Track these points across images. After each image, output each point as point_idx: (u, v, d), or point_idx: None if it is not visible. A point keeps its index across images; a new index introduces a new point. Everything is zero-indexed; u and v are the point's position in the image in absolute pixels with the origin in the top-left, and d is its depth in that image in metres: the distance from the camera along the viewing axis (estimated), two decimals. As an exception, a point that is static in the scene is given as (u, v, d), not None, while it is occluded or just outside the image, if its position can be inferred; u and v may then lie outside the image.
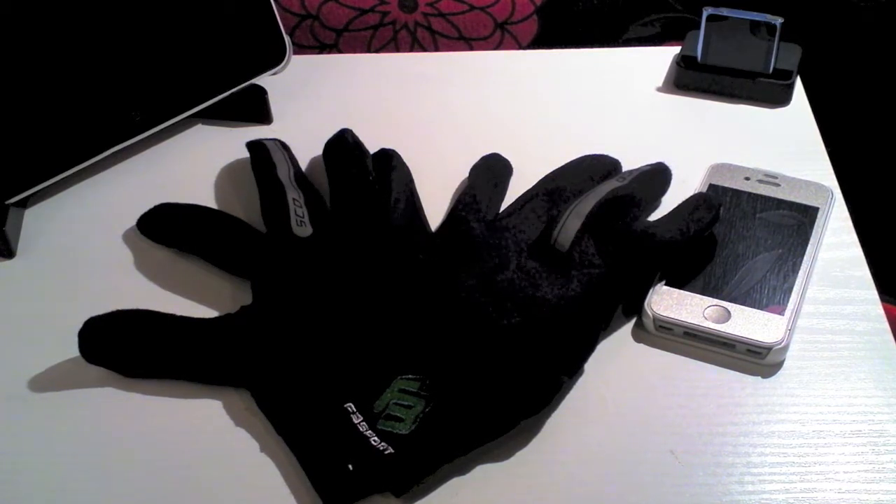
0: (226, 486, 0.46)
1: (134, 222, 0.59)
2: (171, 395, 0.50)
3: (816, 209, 0.57)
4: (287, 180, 0.59)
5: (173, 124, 0.64)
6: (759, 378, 0.50)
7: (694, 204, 0.55)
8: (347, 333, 0.51)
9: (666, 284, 0.53)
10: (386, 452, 0.45)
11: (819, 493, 0.45)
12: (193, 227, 0.58)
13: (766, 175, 0.59)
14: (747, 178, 0.59)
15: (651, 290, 0.53)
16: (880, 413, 0.48)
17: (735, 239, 0.55)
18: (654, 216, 0.58)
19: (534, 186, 0.59)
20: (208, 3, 0.63)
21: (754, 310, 0.51)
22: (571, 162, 0.61)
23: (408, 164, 0.61)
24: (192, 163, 0.64)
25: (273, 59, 0.66)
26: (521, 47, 0.82)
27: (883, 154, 0.85)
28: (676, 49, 0.70)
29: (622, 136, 0.64)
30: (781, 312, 0.51)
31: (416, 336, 0.50)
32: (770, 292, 0.52)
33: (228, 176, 0.63)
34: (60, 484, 0.46)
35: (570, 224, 0.53)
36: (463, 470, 0.46)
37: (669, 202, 0.59)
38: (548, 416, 0.48)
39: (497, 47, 0.82)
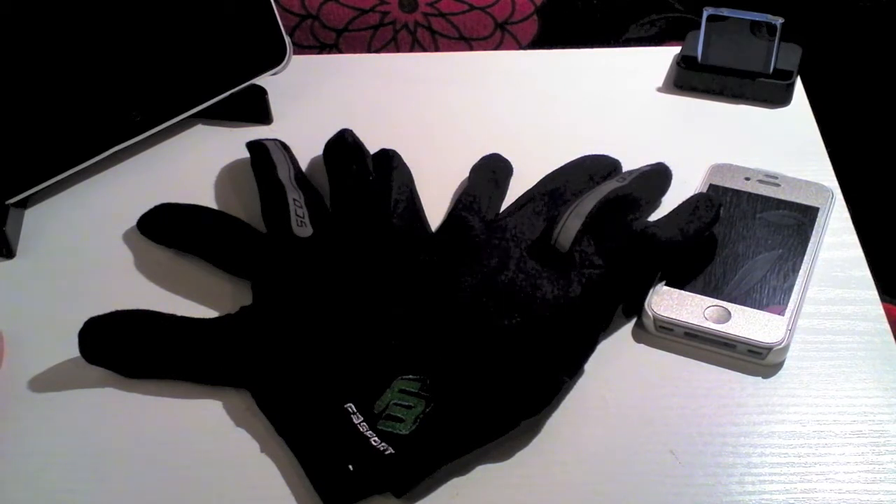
0: (226, 486, 0.46)
1: (134, 222, 0.59)
2: (171, 395, 0.50)
3: (816, 209, 0.57)
4: (287, 180, 0.59)
5: (173, 124, 0.64)
6: (760, 378, 0.50)
7: (694, 204, 0.55)
8: (348, 334, 0.50)
9: (666, 284, 0.53)
10: (386, 453, 0.45)
11: (819, 493, 0.45)
12: (193, 227, 0.58)
13: (767, 175, 0.59)
14: (747, 179, 0.59)
15: (651, 291, 0.53)
16: (881, 413, 0.48)
17: (735, 239, 0.55)
18: (655, 216, 0.58)
19: (534, 186, 0.59)
20: (208, 3, 0.63)
21: (754, 310, 0.51)
22: (571, 162, 0.61)
23: (408, 164, 0.61)
24: (192, 163, 0.64)
25: (273, 59, 0.66)
26: (521, 47, 0.82)
27: (883, 154, 0.85)
28: (676, 49, 0.70)
29: (622, 136, 0.64)
30: (782, 313, 0.51)
31: (416, 336, 0.50)
32: (770, 292, 0.52)
33: (228, 176, 0.63)
34: (60, 484, 0.46)
35: (571, 224, 0.53)
36: (463, 470, 0.46)
37: (669, 202, 0.59)
38: (548, 416, 0.48)
39: (497, 47, 0.82)
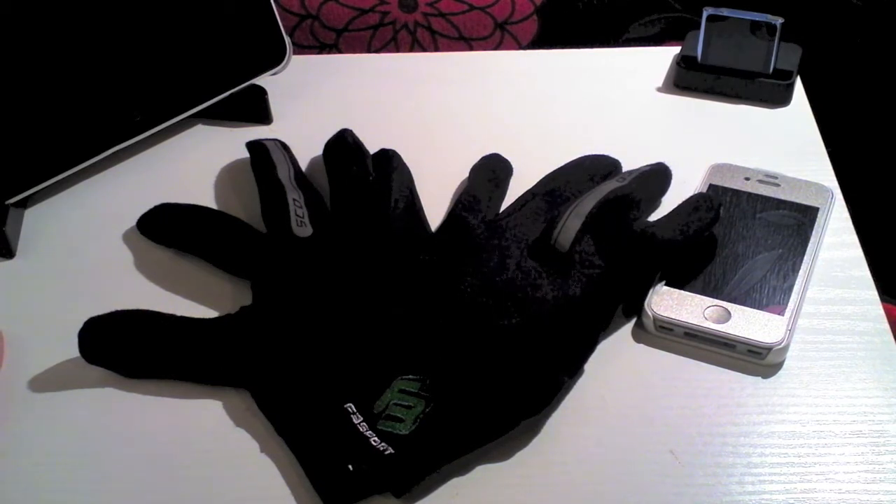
0: (226, 486, 0.46)
1: (134, 222, 0.59)
2: (171, 395, 0.50)
3: (816, 209, 0.57)
4: (287, 180, 0.59)
5: (173, 124, 0.64)
6: (760, 378, 0.50)
7: (694, 204, 0.55)
8: (348, 334, 0.50)
9: (666, 284, 0.53)
10: (386, 453, 0.45)
11: (819, 493, 0.45)
12: (193, 227, 0.58)
13: (766, 175, 0.59)
14: (747, 179, 0.59)
15: (651, 291, 0.53)
16: (881, 413, 0.48)
17: (735, 239, 0.55)
18: (654, 216, 0.58)
19: (534, 186, 0.59)
20: (208, 3, 0.63)
21: (754, 310, 0.51)
22: (571, 162, 0.61)
23: (408, 164, 0.61)
24: (192, 163, 0.64)
25: (273, 59, 0.66)
26: (521, 47, 0.82)
27: (883, 154, 0.85)
28: (676, 49, 0.70)
29: (622, 136, 0.64)
30: (781, 313, 0.51)
31: (416, 336, 0.50)
32: (770, 292, 0.52)
33: (228, 176, 0.63)
34: (60, 484, 0.46)
35: (571, 224, 0.53)
36: (463, 470, 0.46)
37: (669, 202, 0.59)
38: (548, 416, 0.48)
39: (497, 47, 0.82)
